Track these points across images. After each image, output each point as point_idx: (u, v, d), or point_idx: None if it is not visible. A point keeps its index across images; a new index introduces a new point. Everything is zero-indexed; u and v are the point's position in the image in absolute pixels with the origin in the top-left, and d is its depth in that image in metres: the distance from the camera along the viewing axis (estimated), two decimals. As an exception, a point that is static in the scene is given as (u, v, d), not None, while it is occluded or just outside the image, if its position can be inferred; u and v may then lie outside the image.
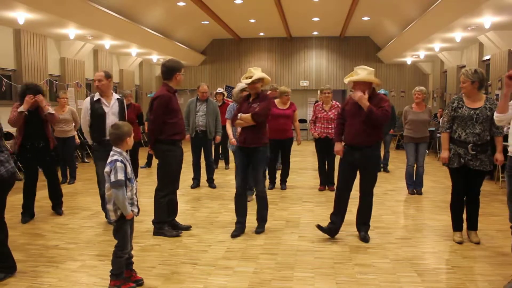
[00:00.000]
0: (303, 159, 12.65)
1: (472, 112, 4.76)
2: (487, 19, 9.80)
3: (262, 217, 5.52)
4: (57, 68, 12.59)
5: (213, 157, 9.00)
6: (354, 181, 5.14)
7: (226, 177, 9.54)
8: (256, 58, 19.97)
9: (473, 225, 5.12)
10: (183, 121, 5.46)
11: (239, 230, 5.41)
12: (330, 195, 7.27)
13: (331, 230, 5.25)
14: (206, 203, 7.17)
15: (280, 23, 16.32)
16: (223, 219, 6.17)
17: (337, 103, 8.10)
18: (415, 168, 7.85)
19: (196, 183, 8.47)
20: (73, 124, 8.85)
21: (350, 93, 5.24)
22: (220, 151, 11.25)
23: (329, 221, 5.27)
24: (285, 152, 8.19)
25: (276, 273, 4.20)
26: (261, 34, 18.97)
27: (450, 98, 14.43)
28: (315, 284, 3.95)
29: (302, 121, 19.11)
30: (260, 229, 5.49)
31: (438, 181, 9.16)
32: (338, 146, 5.24)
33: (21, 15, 9.34)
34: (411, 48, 15.02)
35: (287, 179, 8.41)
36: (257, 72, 5.25)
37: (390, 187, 8.51)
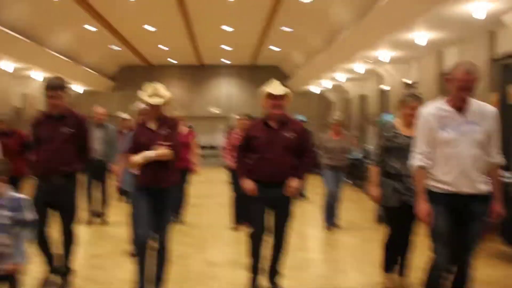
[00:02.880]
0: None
1: (409, 140, 3.91)
2: (384, 53, 10.59)
3: (160, 278, 4.18)
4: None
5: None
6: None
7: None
8: (167, 85, 19.74)
9: None
10: (46, 153, 4.33)
11: None
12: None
13: None
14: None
15: (191, 50, 16.47)
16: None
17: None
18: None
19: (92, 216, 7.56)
20: None
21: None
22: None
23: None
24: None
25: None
26: (173, 61, 18.99)
27: (352, 126, 15.32)
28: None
29: (212, 147, 19.22)
30: None
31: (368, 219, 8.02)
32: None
33: None
34: (316, 77, 15.78)
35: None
36: (163, 91, 4.25)
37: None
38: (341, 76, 14.75)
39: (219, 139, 18.81)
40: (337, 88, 17.73)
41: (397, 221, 4.34)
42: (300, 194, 9.89)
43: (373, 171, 4.47)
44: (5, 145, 6.37)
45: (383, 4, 8.14)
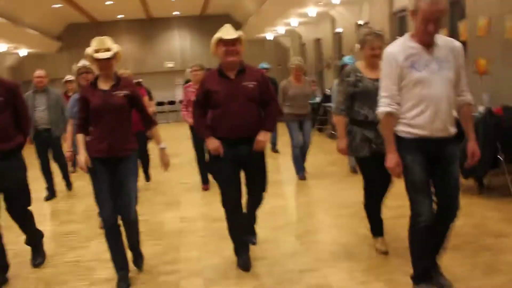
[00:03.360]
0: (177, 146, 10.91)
1: (376, 84, 3.58)
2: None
3: (135, 249, 4.03)
4: None
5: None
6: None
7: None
8: (117, 41, 19.10)
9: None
10: None
11: (125, 280, 3.75)
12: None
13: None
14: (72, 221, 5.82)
15: (139, 4, 15.84)
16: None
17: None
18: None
19: (51, 193, 7.02)
20: None
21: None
22: None
23: None
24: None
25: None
26: (120, 16, 18.25)
27: (309, 70, 15.36)
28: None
29: (171, 102, 19.02)
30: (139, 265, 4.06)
31: (335, 162, 8.09)
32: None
33: None
34: (270, 24, 15.58)
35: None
36: (111, 43, 3.85)
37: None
38: (294, 21, 14.62)
39: (178, 93, 18.59)
40: (291, 33, 17.60)
41: (371, 171, 3.96)
42: (272, 148, 9.61)
43: (338, 121, 4.06)
44: None
45: None
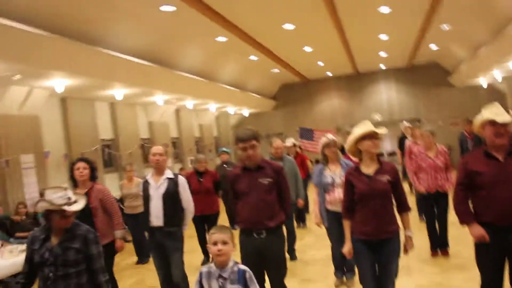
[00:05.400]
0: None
1: None
2: None
3: None
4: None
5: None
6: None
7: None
8: (325, 97, 20.42)
9: None
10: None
11: None
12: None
13: None
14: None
15: (347, 61, 16.67)
16: None
17: (443, 147, 6.57)
18: None
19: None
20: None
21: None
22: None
23: None
24: None
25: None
26: (329, 74, 19.40)
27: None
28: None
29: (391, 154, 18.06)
30: None
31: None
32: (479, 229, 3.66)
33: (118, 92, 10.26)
34: (485, 69, 14.80)
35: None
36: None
37: None
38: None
39: (386, 145, 18.58)
40: (509, 78, 16.37)
41: None
42: None
43: None
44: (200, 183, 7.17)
45: None
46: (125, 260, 8.10)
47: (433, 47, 15.72)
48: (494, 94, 18.66)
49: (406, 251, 3.94)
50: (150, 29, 9.59)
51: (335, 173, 5.48)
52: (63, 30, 7.43)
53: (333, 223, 5.48)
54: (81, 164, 5.12)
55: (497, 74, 15.67)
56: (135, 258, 8.10)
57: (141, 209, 7.04)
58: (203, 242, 7.44)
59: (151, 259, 6.88)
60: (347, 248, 4.02)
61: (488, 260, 3.66)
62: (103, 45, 8.58)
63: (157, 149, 5.11)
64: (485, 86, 18.09)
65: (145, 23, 9.28)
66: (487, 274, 3.70)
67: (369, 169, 3.90)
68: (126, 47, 9.23)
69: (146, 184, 5.14)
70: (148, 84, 10.43)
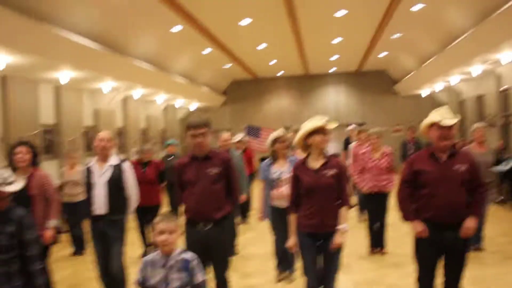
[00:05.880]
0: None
1: None
2: (506, 55, 10.16)
3: None
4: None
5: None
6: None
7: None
8: (275, 96, 20.58)
9: None
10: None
11: None
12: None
13: None
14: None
15: (299, 61, 16.86)
16: None
17: (389, 149, 6.77)
18: None
19: None
20: None
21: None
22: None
23: None
24: None
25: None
26: (280, 73, 19.55)
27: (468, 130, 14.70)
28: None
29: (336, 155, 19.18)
30: None
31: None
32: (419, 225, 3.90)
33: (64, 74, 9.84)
34: (429, 81, 15.41)
35: None
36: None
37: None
38: (455, 78, 14.29)
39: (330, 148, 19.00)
40: (449, 89, 17.14)
41: None
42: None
43: None
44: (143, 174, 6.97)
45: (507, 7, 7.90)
46: (60, 251, 7.79)
47: (383, 55, 16.19)
48: (434, 103, 19.46)
49: (337, 244, 3.94)
50: (105, 12, 9.19)
51: (282, 169, 5.53)
52: (6, 1, 6.95)
53: (277, 218, 5.54)
54: (22, 148, 4.81)
55: (438, 86, 16.40)
56: (71, 249, 7.83)
57: (80, 198, 6.86)
58: (143, 234, 7.35)
59: (87, 251, 6.67)
60: (292, 241, 4.05)
61: (426, 255, 3.89)
62: (51, 22, 8.13)
63: (104, 134, 5.03)
64: (423, 95, 18.85)
65: (100, 5, 8.89)
66: (423, 268, 3.93)
67: (316, 163, 3.99)
68: (77, 27, 8.82)
69: (89, 171, 4.99)
70: (97, 69, 10.06)
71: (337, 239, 3.92)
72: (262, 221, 5.94)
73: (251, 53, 14.81)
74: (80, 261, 7.36)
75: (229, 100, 20.74)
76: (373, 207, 6.75)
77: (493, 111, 13.34)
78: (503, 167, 9.81)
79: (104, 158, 4.97)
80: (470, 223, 3.76)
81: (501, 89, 12.99)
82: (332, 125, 4.02)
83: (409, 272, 5.12)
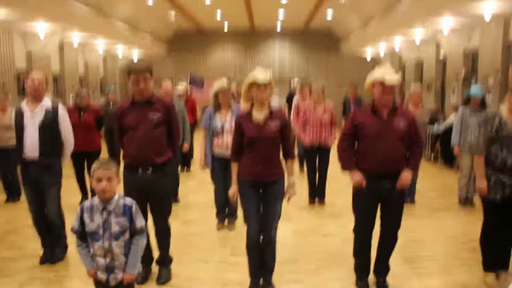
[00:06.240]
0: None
1: None
2: (446, 21, 10.42)
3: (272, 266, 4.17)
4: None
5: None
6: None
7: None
8: (220, 49, 20.30)
9: None
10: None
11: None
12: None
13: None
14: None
15: (245, 15, 16.59)
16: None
17: (330, 104, 6.87)
18: None
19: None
20: None
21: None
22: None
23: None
24: None
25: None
26: (225, 24, 19.19)
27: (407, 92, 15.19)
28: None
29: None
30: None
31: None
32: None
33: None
34: (372, 41, 15.66)
35: None
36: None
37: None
38: (398, 41, 14.59)
39: (274, 102, 19.10)
40: (392, 54, 17.53)
41: (498, 215, 4.06)
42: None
43: (479, 162, 4.09)
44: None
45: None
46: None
47: (329, 13, 16.20)
48: (377, 66, 19.92)
49: (288, 197, 4.08)
50: None
51: (225, 119, 5.50)
52: None
53: (218, 167, 5.56)
54: None
55: (382, 47, 16.70)
56: (4, 196, 7.51)
57: (13, 142, 6.44)
58: (82, 181, 7.15)
59: (22, 197, 6.36)
60: (233, 190, 4.07)
61: (364, 205, 4.03)
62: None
63: (36, 74, 4.68)
64: (369, 59, 19.22)
65: None
66: (361, 218, 4.09)
67: (260, 115, 3.96)
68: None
69: (19, 112, 4.67)
70: (28, 7, 9.40)
71: (289, 192, 4.05)
72: (204, 170, 5.93)
73: (197, 3, 14.36)
74: (15, 207, 7.11)
75: (173, 50, 20.24)
76: (313, 160, 6.89)
77: (431, 77, 13.84)
78: (439, 127, 10.33)
79: (36, 99, 4.65)
80: (406, 175, 3.90)
81: (440, 56, 13.44)
82: (267, 77, 3.91)
83: (347, 222, 5.38)
